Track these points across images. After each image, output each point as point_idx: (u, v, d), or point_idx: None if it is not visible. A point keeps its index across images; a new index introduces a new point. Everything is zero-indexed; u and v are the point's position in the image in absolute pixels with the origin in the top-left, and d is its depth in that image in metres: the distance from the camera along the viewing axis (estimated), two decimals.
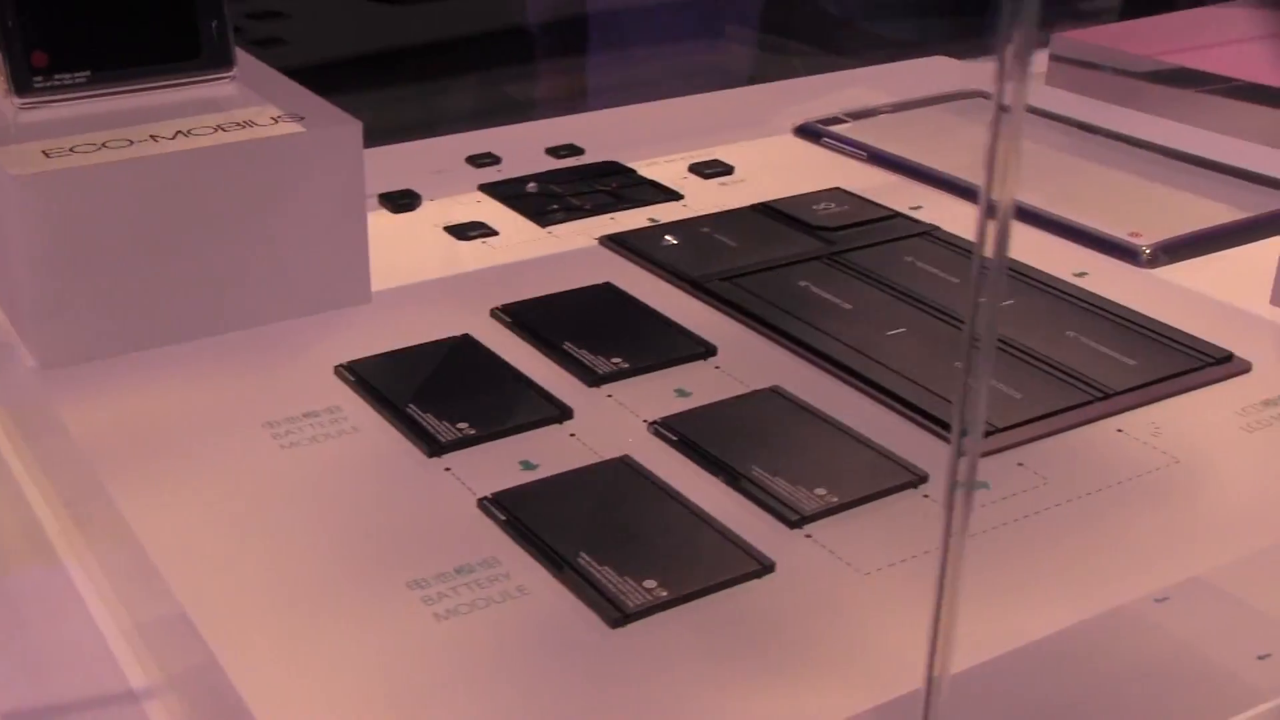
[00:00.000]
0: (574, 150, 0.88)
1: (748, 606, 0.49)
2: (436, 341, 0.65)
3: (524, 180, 0.83)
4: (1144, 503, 0.55)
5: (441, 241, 0.76)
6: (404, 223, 0.79)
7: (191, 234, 0.64)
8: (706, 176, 0.85)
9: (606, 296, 0.70)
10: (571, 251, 0.75)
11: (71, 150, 0.64)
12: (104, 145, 0.64)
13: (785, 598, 0.49)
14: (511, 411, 0.59)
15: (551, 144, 0.89)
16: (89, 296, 0.63)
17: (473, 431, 0.58)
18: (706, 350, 0.65)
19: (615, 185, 0.82)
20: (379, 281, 0.71)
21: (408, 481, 0.55)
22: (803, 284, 0.71)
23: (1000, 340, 0.65)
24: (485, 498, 0.54)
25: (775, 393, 0.61)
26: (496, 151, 0.88)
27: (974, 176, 0.80)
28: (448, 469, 0.56)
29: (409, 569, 0.50)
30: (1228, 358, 0.65)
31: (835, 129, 0.90)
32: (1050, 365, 0.63)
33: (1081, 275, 0.73)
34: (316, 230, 0.67)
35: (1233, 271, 0.74)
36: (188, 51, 0.70)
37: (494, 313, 0.68)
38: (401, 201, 0.80)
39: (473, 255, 0.75)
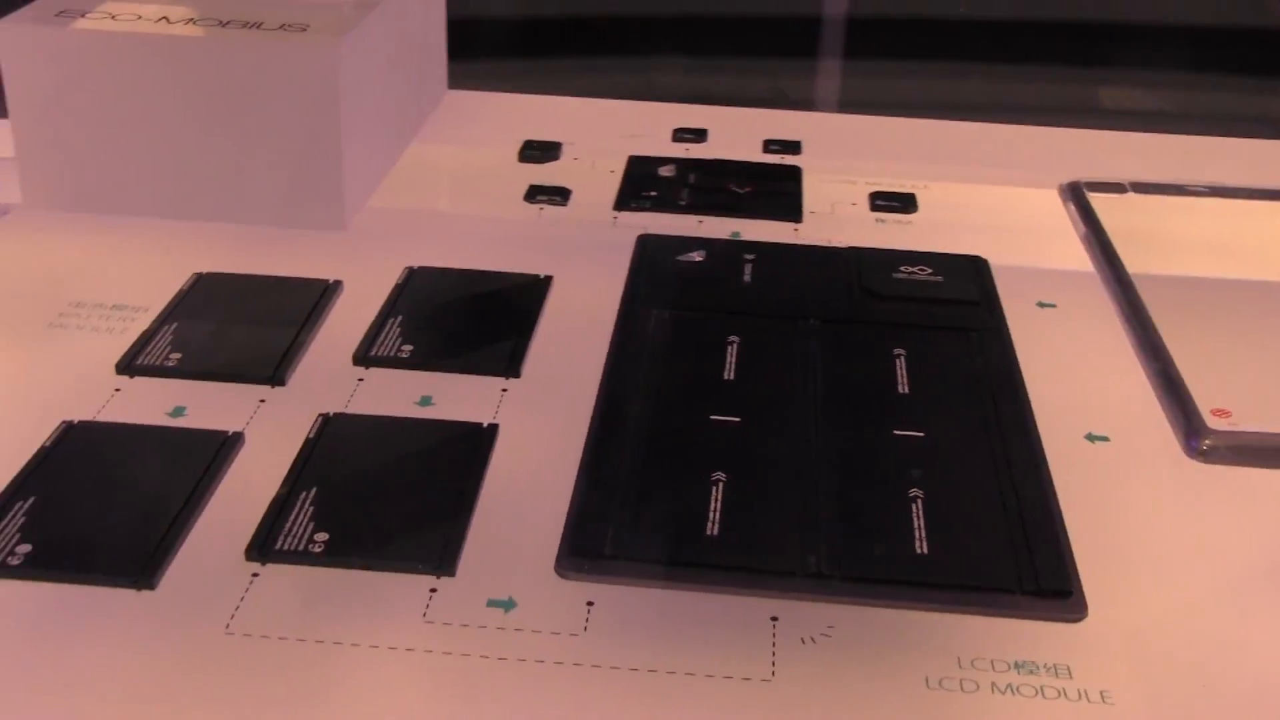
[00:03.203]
0: (789, 147, 0.78)
1: None
2: (301, 279, 0.62)
3: (668, 161, 0.75)
4: None
5: (506, 197, 0.72)
6: (514, 171, 0.75)
7: (170, 117, 0.66)
8: (876, 208, 0.72)
9: (523, 289, 0.63)
10: (592, 239, 0.68)
11: (113, 17, 0.68)
12: (139, 18, 0.68)
13: None
14: (225, 359, 0.56)
15: (777, 136, 0.80)
16: (67, 151, 0.67)
17: (175, 365, 0.56)
18: (509, 370, 0.57)
19: (748, 189, 0.72)
20: (393, 220, 0.69)
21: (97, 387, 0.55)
22: (732, 339, 0.59)
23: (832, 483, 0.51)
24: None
25: (485, 430, 0.53)
26: (719, 131, 0.80)
27: (1166, 293, 0.62)
28: (118, 389, 0.55)
29: None
30: (1063, 593, 0.46)
31: (1094, 196, 0.72)
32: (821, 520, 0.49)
33: (1096, 440, 0.55)
34: (289, 144, 0.66)
35: None
36: None
37: (406, 270, 0.64)
38: (531, 152, 0.76)
39: (510, 214, 0.70)
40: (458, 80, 0.86)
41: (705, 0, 1.41)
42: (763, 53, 1.41)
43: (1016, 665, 0.43)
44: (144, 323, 0.59)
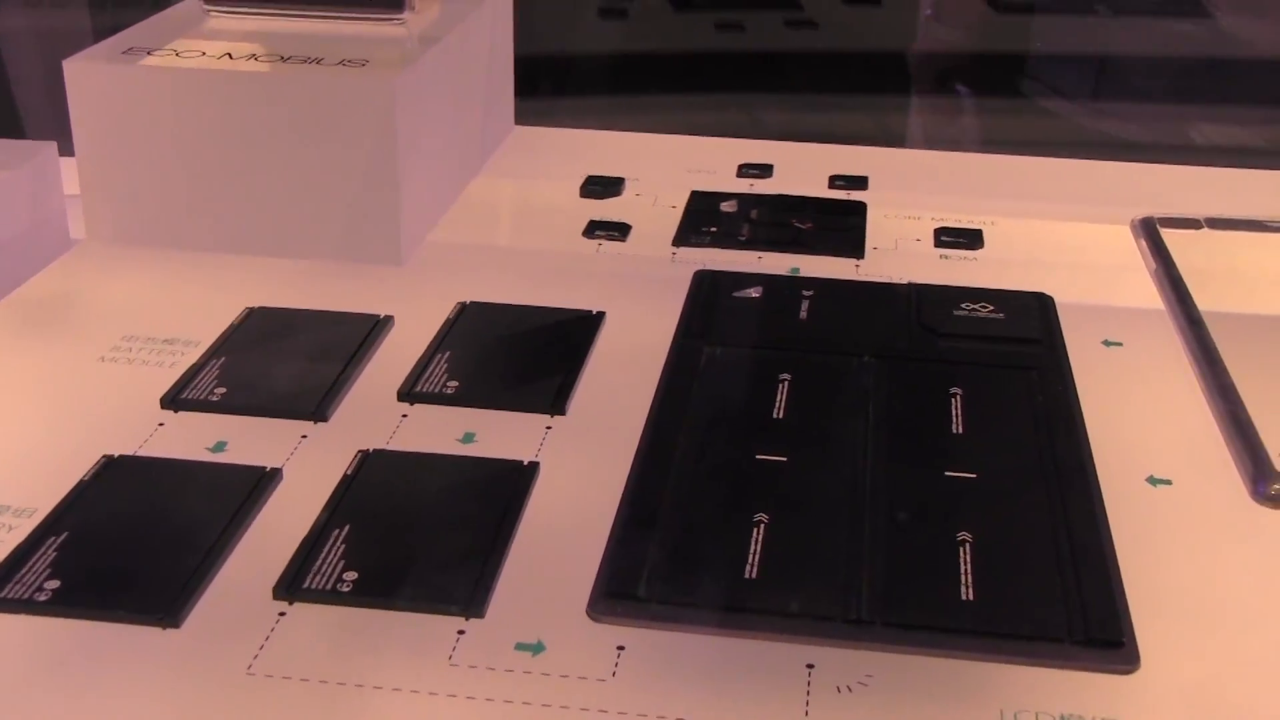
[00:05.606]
0: (856, 183, 0.77)
1: None
2: (352, 314, 0.62)
3: (729, 196, 0.74)
4: None
5: (565, 232, 0.71)
6: (575, 206, 0.74)
7: (232, 152, 0.66)
8: (940, 245, 0.71)
9: (574, 325, 0.62)
10: (649, 275, 0.67)
11: (178, 54, 0.68)
12: (204, 54, 0.68)
13: None
14: (269, 394, 0.56)
15: (844, 172, 0.79)
16: (130, 186, 0.68)
17: (219, 400, 0.56)
18: (554, 407, 0.56)
19: (810, 226, 0.71)
20: (451, 255, 0.69)
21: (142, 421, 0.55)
22: (784, 377, 0.58)
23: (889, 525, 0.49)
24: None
25: (525, 468, 0.52)
26: (785, 167, 0.79)
27: (1238, 332, 0.60)
28: (162, 423, 0.55)
29: None
30: (1115, 643, 0.44)
31: (1168, 232, 0.70)
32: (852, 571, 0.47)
33: (1158, 483, 0.53)
34: (347, 179, 0.66)
35: None
36: None
37: (459, 305, 0.63)
38: (593, 188, 0.75)
39: (568, 249, 0.70)
40: (555, 117, 0.86)
41: (800, 37, 1.40)
42: (855, 89, 1.39)
43: (1063, 718, 0.42)
44: (194, 357, 0.59)
